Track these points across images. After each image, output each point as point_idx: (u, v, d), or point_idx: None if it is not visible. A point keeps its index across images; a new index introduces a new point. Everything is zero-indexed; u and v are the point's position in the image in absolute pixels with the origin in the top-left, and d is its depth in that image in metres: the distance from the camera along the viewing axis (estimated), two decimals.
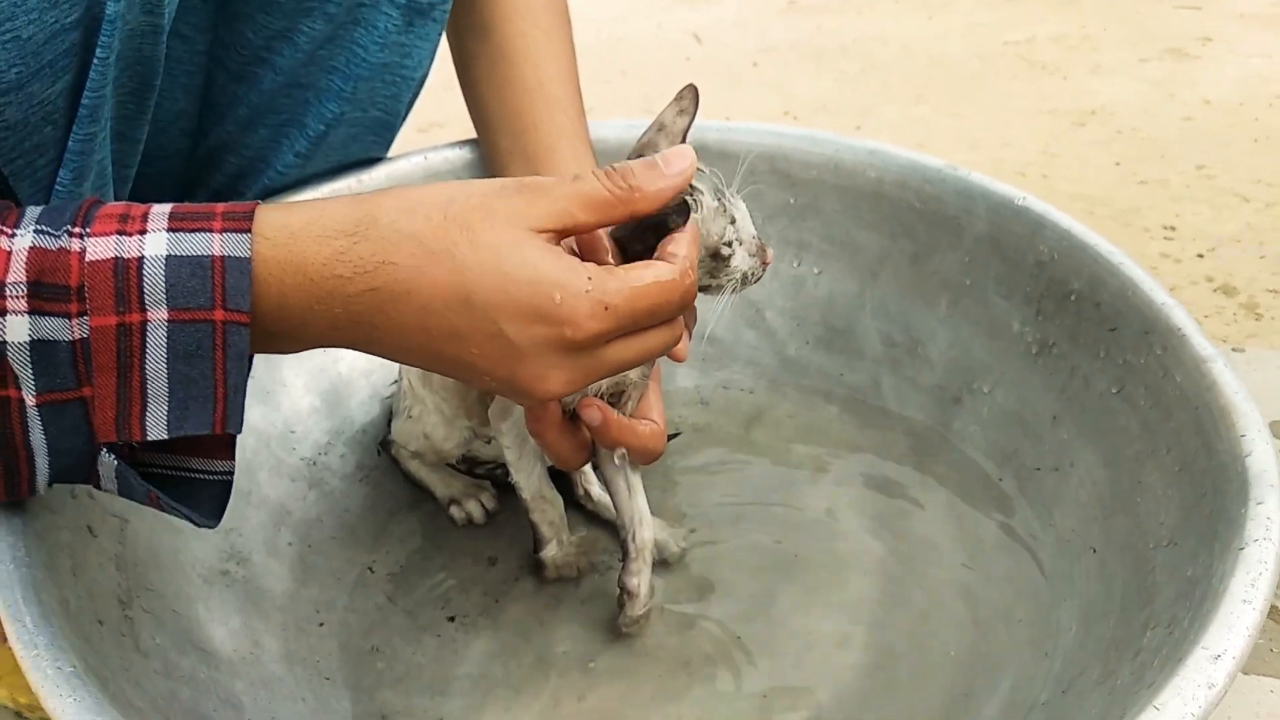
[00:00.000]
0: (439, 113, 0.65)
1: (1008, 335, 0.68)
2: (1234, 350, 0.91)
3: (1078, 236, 0.64)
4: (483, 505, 0.67)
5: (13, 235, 0.38)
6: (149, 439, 0.39)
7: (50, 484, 0.42)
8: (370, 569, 0.64)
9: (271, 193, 0.64)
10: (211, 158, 0.60)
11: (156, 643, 0.51)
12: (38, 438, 0.39)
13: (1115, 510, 0.57)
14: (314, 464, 0.68)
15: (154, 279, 0.37)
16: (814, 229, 0.75)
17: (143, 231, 0.38)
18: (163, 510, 0.43)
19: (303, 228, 0.39)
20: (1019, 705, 0.54)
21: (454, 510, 0.67)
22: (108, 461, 0.40)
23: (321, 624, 0.60)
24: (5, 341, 0.37)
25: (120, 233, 0.38)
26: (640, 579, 0.58)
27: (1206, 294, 0.98)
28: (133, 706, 0.44)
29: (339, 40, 0.56)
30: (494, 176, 0.66)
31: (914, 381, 0.72)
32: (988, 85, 1.43)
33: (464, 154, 0.73)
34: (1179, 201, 1.13)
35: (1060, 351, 0.65)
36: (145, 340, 0.37)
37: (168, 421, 0.38)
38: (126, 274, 0.37)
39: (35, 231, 0.38)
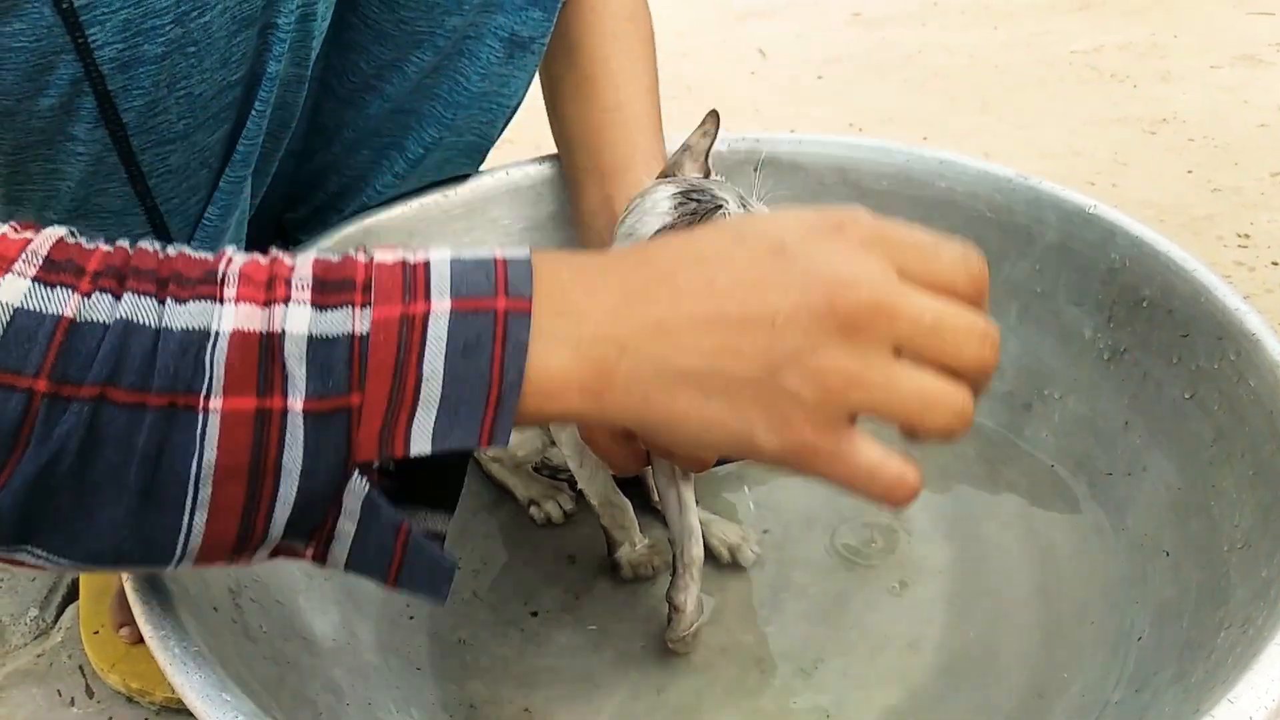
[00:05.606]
0: (509, 131, 0.69)
1: (1079, 342, 0.69)
2: None
3: (1149, 243, 0.64)
4: (561, 506, 0.70)
5: (294, 257, 0.37)
6: (412, 453, 0.35)
7: (284, 529, 0.36)
8: (456, 566, 0.67)
9: (366, 210, 0.67)
10: (314, 178, 0.63)
11: (264, 630, 0.54)
12: (293, 456, 0.35)
13: (1189, 514, 0.58)
14: None
15: (440, 272, 0.36)
16: None
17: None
18: (403, 557, 0.39)
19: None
20: (1091, 705, 0.54)
21: (534, 510, 0.70)
22: (357, 488, 0.36)
23: (412, 617, 0.63)
24: (284, 332, 0.34)
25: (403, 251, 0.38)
26: (688, 595, 0.58)
27: None
28: (249, 687, 0.46)
29: (444, 70, 0.59)
30: (572, 193, 0.69)
31: None
32: (1055, 94, 1.42)
33: (545, 170, 0.75)
34: (1253, 209, 1.12)
35: (1132, 358, 0.65)
36: (426, 334, 0.35)
37: (433, 430, 0.35)
38: (414, 271, 0.36)
39: (315, 258, 0.37)
